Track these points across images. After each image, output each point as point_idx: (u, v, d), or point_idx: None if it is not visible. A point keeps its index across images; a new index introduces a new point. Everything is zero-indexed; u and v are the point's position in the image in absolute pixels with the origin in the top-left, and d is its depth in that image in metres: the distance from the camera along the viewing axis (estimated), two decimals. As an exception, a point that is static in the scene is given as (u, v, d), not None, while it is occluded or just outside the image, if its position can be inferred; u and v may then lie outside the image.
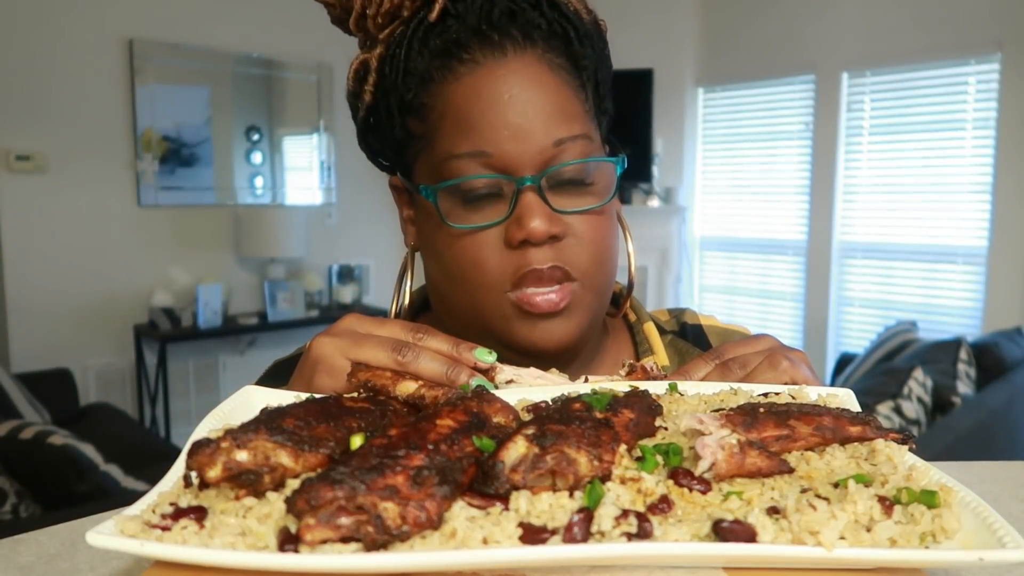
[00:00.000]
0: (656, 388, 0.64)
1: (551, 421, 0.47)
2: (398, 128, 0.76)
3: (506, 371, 0.65)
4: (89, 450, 2.55)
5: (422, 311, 0.90)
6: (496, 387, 0.64)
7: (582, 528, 0.41)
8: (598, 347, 0.88)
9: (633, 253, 0.85)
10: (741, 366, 0.68)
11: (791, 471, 0.48)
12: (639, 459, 0.48)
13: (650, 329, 0.89)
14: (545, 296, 0.72)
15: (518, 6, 0.72)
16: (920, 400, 2.95)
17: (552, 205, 0.71)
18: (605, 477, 0.45)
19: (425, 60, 0.73)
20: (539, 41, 0.73)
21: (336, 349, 0.64)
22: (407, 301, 0.84)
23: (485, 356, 0.65)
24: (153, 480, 0.49)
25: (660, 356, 0.87)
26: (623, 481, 0.45)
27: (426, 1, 0.73)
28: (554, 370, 0.67)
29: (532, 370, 0.66)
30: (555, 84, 0.72)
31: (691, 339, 0.90)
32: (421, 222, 0.80)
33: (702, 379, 0.68)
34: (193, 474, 0.46)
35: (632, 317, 0.92)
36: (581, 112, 0.74)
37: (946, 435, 2.68)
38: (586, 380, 0.65)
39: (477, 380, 0.63)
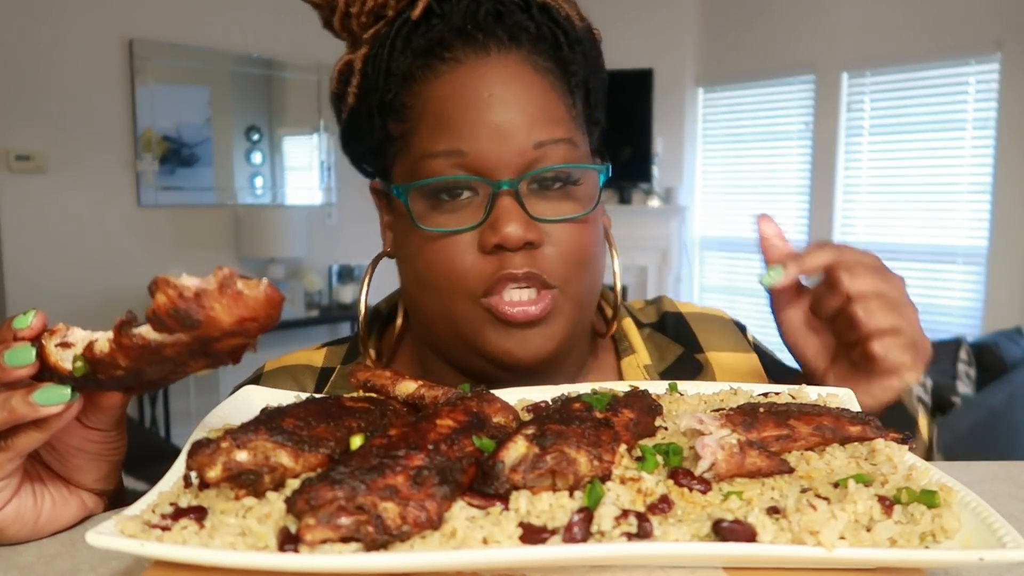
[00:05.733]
0: (656, 388, 0.64)
1: (551, 421, 0.47)
2: (378, 130, 0.73)
3: None
4: (89, 450, 2.54)
5: (391, 320, 0.88)
6: None
7: (582, 528, 0.41)
8: (582, 365, 0.83)
9: (619, 273, 0.81)
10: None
11: (791, 471, 0.48)
12: (639, 459, 0.49)
13: (628, 325, 0.86)
14: (523, 307, 0.68)
15: (505, 7, 0.70)
16: (920, 400, 2.95)
17: (529, 211, 0.68)
18: (605, 477, 0.45)
19: (407, 60, 0.70)
20: (526, 43, 0.70)
21: None
22: (362, 310, 0.83)
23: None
24: (153, 480, 0.49)
25: (641, 355, 0.84)
26: (623, 481, 0.45)
27: (411, 0, 0.70)
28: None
29: None
30: (540, 86, 0.70)
31: (672, 328, 0.87)
32: (397, 226, 0.77)
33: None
34: (193, 474, 0.46)
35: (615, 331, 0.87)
36: (566, 117, 0.71)
37: (946, 435, 2.68)
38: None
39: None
